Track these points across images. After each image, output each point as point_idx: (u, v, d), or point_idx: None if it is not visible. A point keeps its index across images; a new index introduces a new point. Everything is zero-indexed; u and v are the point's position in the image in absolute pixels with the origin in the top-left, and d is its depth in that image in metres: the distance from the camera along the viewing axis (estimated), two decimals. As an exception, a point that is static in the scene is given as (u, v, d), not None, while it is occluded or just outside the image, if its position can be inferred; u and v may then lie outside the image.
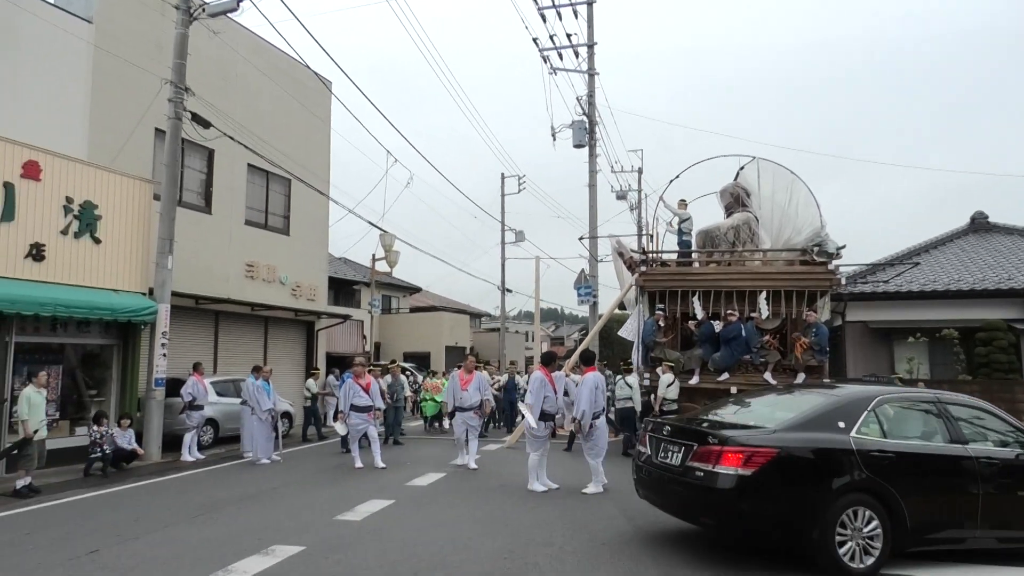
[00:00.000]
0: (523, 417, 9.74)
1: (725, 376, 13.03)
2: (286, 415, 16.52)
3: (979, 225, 21.04)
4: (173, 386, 13.08)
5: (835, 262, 13.23)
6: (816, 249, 13.19)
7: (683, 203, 15.21)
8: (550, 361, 9.87)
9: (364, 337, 25.48)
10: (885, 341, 17.87)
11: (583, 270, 20.97)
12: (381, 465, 11.19)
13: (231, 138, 14.67)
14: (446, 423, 16.04)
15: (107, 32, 13.74)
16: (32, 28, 12.45)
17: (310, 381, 16.47)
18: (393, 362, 18.95)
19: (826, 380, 12.75)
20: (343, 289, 30.64)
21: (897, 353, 17.70)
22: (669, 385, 12.67)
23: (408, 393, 16.32)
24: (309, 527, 7.11)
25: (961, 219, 41.77)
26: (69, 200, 11.58)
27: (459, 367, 12.34)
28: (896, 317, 17.17)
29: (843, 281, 13.71)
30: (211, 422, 14.09)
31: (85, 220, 11.83)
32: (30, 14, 12.34)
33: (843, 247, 13.24)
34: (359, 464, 11.19)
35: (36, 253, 11.03)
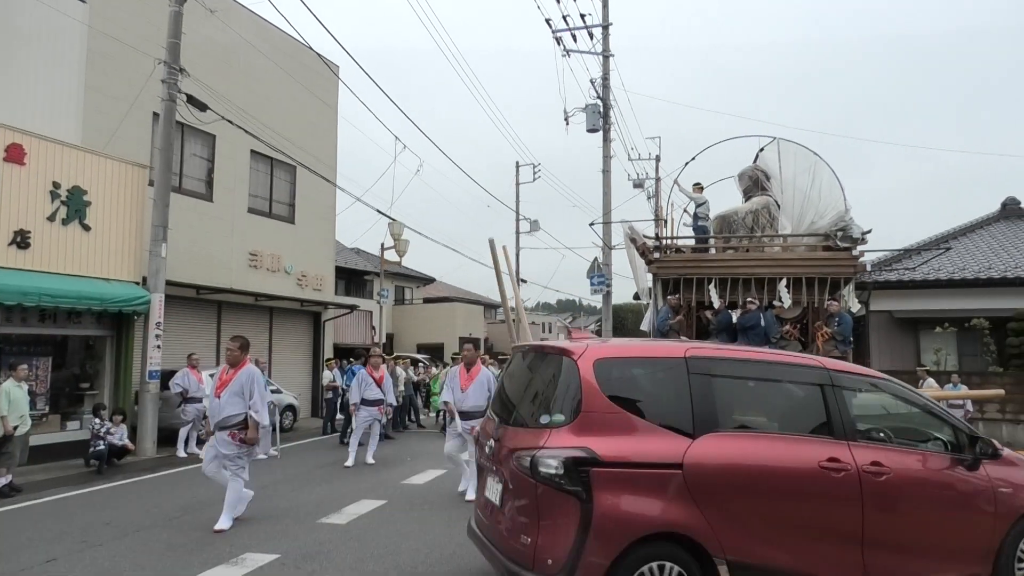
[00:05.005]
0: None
1: (743, 368, 12.46)
2: (290, 408, 16.12)
3: (1011, 211, 20.12)
4: (169, 379, 12.65)
5: (860, 247, 12.53)
6: (840, 234, 12.47)
7: (699, 187, 14.49)
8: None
9: (373, 328, 25.06)
10: (911, 331, 17.13)
11: (596, 258, 20.35)
12: (371, 461, 10.82)
13: (230, 122, 14.14)
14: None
15: (102, 13, 13.25)
16: (25, 9, 12.02)
17: (326, 372, 16.03)
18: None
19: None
20: (354, 279, 30.24)
21: (924, 344, 16.96)
22: None
23: (402, 388, 15.83)
24: (289, 531, 6.62)
25: (984, 207, 40.56)
26: (56, 185, 11.10)
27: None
28: (923, 306, 16.41)
29: (868, 268, 12.98)
30: (210, 415, 13.70)
31: (73, 206, 11.37)
32: (21, -6, 11.93)
33: (869, 232, 12.50)
34: (350, 463, 10.64)
35: (20, 240, 10.57)
